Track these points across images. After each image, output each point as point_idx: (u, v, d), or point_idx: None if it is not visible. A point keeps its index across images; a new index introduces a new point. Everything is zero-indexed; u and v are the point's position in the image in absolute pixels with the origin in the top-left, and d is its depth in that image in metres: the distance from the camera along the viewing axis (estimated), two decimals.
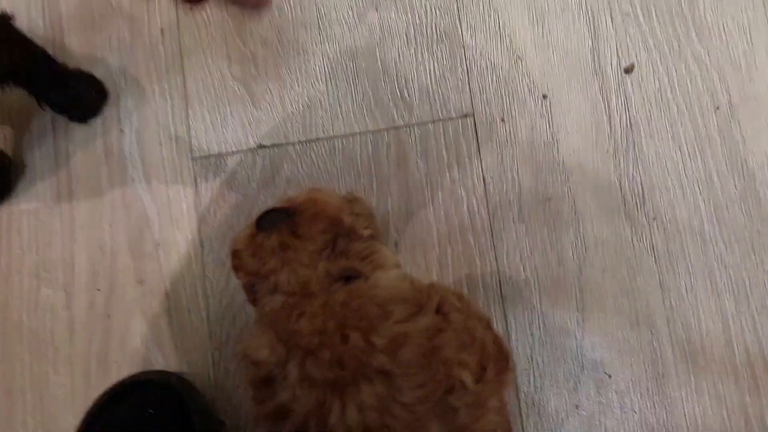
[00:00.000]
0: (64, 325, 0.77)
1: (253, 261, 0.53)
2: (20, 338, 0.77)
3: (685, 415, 0.73)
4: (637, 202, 0.77)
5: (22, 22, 0.76)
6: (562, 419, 0.74)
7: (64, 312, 0.77)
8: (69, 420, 0.76)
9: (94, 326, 0.77)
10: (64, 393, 0.76)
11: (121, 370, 0.76)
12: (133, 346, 0.77)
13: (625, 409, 0.73)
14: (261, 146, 0.80)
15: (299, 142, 0.80)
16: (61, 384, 0.76)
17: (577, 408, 0.74)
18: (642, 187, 0.77)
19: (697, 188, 0.76)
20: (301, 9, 0.82)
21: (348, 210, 0.57)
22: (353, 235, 0.55)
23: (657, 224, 0.76)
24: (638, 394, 0.74)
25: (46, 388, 0.76)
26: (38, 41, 0.75)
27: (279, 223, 0.54)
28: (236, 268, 0.55)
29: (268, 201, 0.79)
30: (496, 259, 0.77)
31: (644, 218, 0.76)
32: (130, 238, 0.78)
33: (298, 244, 0.53)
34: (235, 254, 0.54)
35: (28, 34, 0.73)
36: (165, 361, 0.76)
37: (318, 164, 0.79)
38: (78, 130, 0.81)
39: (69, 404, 0.76)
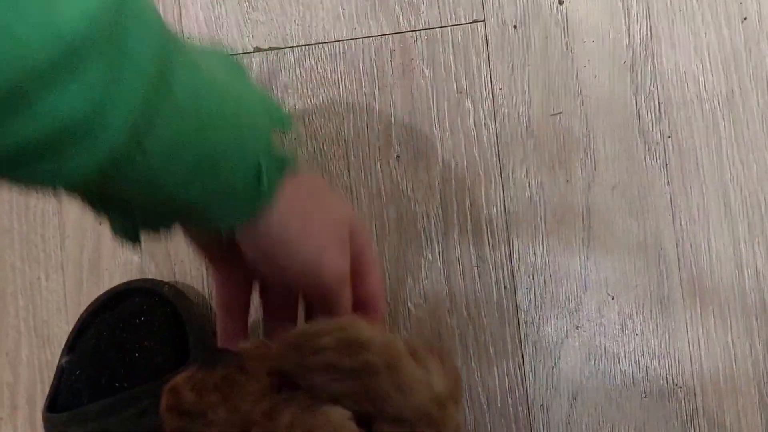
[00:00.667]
0: (54, 230, 0.75)
1: (191, 395, 0.45)
2: (11, 244, 0.76)
3: (688, 338, 0.71)
4: (652, 118, 0.72)
5: None
6: (561, 339, 0.72)
7: (54, 217, 0.75)
8: (62, 326, 0.75)
9: (86, 233, 0.75)
10: (57, 299, 0.75)
11: (113, 278, 0.75)
12: (125, 254, 0.75)
13: (627, 331, 0.72)
14: (257, 49, 0.76)
15: (298, 45, 0.75)
16: (53, 290, 0.75)
17: (577, 328, 0.72)
18: (658, 102, 0.73)
19: (717, 104, 0.72)
20: None
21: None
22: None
23: (672, 142, 0.72)
24: (641, 316, 0.72)
25: (39, 293, 0.75)
26: None
27: (226, 358, 0.47)
28: (169, 408, 0.45)
29: None
30: (501, 175, 0.73)
31: (659, 135, 0.72)
32: None
33: (245, 380, 0.45)
34: (173, 390, 0.46)
35: None
36: (158, 270, 0.75)
37: (318, 70, 0.75)
38: None
39: (61, 311, 0.75)
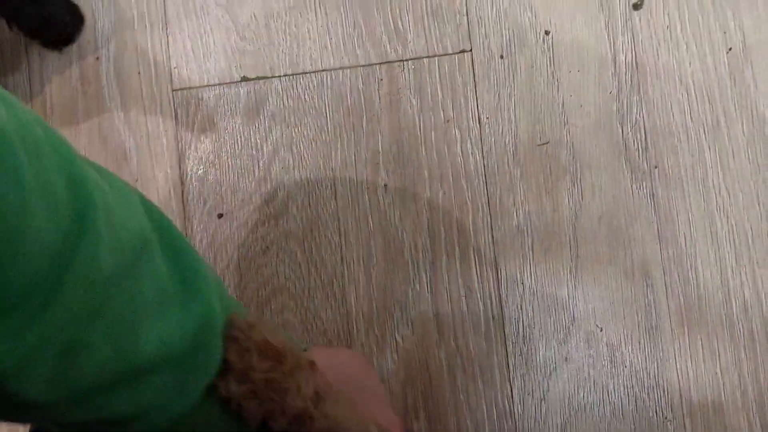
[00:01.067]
0: None
1: None
2: None
3: (677, 369, 0.70)
4: (639, 147, 0.73)
5: None
6: (550, 371, 0.71)
7: None
8: None
9: None
10: None
11: None
12: None
13: (616, 363, 0.71)
14: (245, 78, 0.75)
15: (285, 75, 0.75)
16: None
17: (566, 360, 0.71)
18: (645, 132, 0.73)
19: (702, 133, 0.72)
20: None
21: None
22: None
23: (658, 171, 0.72)
24: (630, 347, 0.71)
25: None
26: None
27: None
28: None
29: (252, 137, 0.75)
30: (488, 203, 0.73)
31: (645, 164, 0.72)
32: None
33: None
34: None
35: None
36: None
37: (305, 99, 0.75)
38: (53, 57, 0.77)
39: None
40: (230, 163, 0.75)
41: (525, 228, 0.73)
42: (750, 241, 0.71)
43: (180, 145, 0.75)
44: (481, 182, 0.73)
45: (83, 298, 0.26)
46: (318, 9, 0.75)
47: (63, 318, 0.26)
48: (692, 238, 0.72)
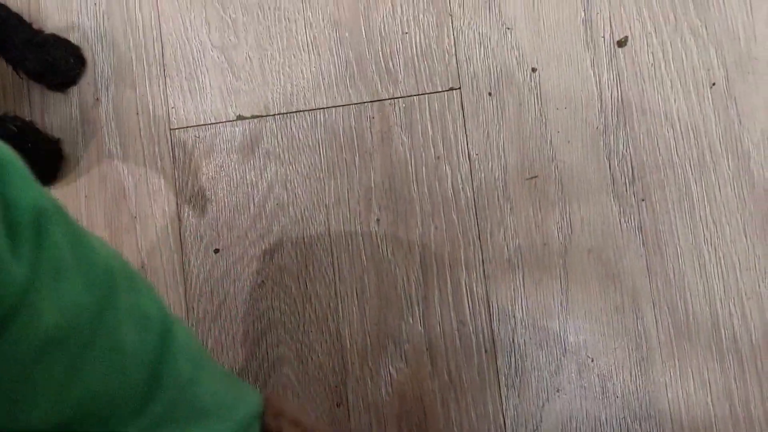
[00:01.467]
0: None
1: None
2: None
3: (668, 400, 0.71)
4: (626, 182, 0.74)
5: None
6: (543, 403, 0.72)
7: None
8: None
9: None
10: None
11: None
12: None
13: (608, 394, 0.72)
14: (240, 117, 0.77)
15: (279, 113, 0.77)
16: None
17: (558, 392, 0.72)
18: (632, 166, 0.74)
19: (689, 168, 0.73)
20: None
21: None
22: None
23: (646, 205, 0.74)
24: (621, 379, 0.72)
25: None
26: (12, 6, 0.72)
27: None
28: None
29: (247, 175, 0.77)
30: (479, 238, 0.75)
31: (633, 198, 0.74)
32: (106, 210, 0.77)
33: None
34: None
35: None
36: None
37: (299, 137, 0.77)
38: (54, 98, 0.79)
39: None
40: (226, 200, 0.77)
41: (516, 261, 0.74)
42: (738, 272, 0.72)
43: (177, 182, 0.77)
44: (472, 217, 0.75)
45: (172, 398, 0.31)
46: (311, 50, 0.77)
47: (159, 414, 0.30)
48: (681, 270, 0.73)
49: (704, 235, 0.73)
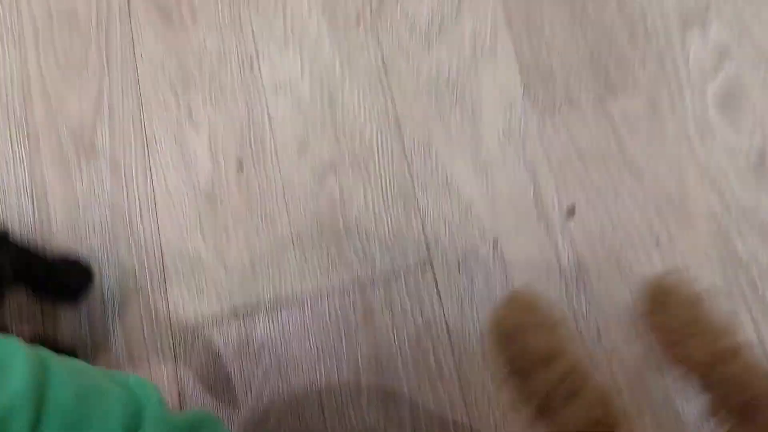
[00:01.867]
0: None
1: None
2: None
3: None
4: (593, 339, 0.79)
5: (11, 206, 0.85)
6: None
7: None
8: None
9: None
10: None
11: None
12: None
13: None
14: (235, 313, 0.84)
15: (271, 305, 0.84)
16: None
17: None
18: (597, 325, 0.80)
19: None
20: (266, 177, 0.89)
21: None
22: None
23: (615, 357, 0.79)
24: None
25: None
26: (25, 223, 0.82)
27: None
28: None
29: (244, 366, 0.83)
30: (465, 407, 0.79)
31: (602, 353, 0.79)
32: None
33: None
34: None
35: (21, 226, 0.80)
36: None
37: (289, 327, 0.83)
38: (63, 308, 0.87)
39: None
40: (226, 396, 0.82)
41: (503, 426, 0.78)
42: None
43: (179, 379, 0.83)
44: (456, 386, 0.80)
45: None
46: (295, 245, 0.86)
47: None
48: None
49: (673, 387, 0.77)
